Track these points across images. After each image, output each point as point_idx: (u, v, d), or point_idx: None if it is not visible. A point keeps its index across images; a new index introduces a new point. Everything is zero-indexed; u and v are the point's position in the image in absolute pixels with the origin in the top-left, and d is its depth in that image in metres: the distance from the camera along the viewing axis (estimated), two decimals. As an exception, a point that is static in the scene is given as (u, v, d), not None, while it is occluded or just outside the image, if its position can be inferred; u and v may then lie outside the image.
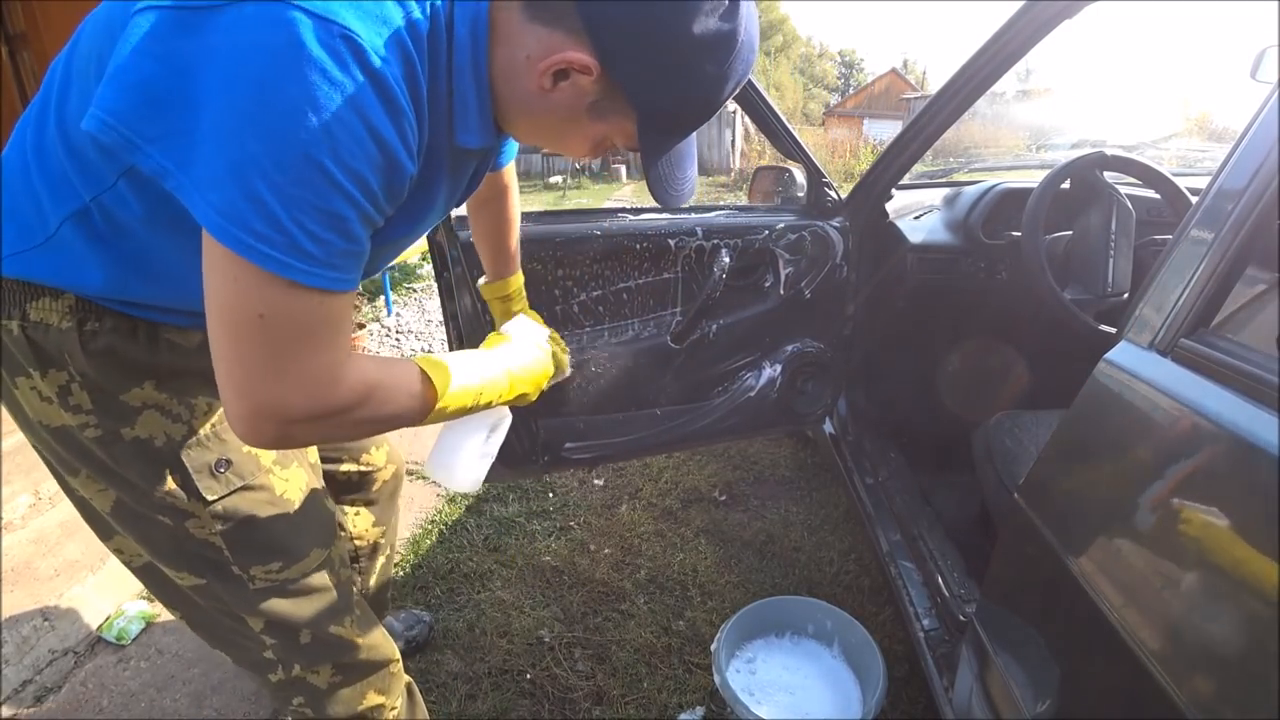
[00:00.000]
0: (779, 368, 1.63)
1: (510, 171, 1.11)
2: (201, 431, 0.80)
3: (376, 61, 0.55)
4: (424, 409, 0.73)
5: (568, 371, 1.12)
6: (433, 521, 2.06)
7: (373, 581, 1.32)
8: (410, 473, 2.34)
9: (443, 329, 3.75)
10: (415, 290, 4.62)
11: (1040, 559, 0.87)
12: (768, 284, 1.57)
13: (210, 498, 0.80)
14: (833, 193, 1.60)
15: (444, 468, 0.93)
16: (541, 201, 11.16)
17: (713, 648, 1.38)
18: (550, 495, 2.18)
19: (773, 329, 1.61)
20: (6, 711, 1.43)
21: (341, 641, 0.94)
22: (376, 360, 0.70)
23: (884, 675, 1.29)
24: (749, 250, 1.52)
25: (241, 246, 0.54)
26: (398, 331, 3.81)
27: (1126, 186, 1.58)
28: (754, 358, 1.62)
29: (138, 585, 1.78)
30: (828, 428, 1.93)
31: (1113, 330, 1.16)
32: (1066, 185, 1.54)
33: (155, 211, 0.64)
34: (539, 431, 1.48)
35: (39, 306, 0.71)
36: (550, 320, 1.42)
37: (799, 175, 1.64)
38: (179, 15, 0.54)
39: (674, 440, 1.62)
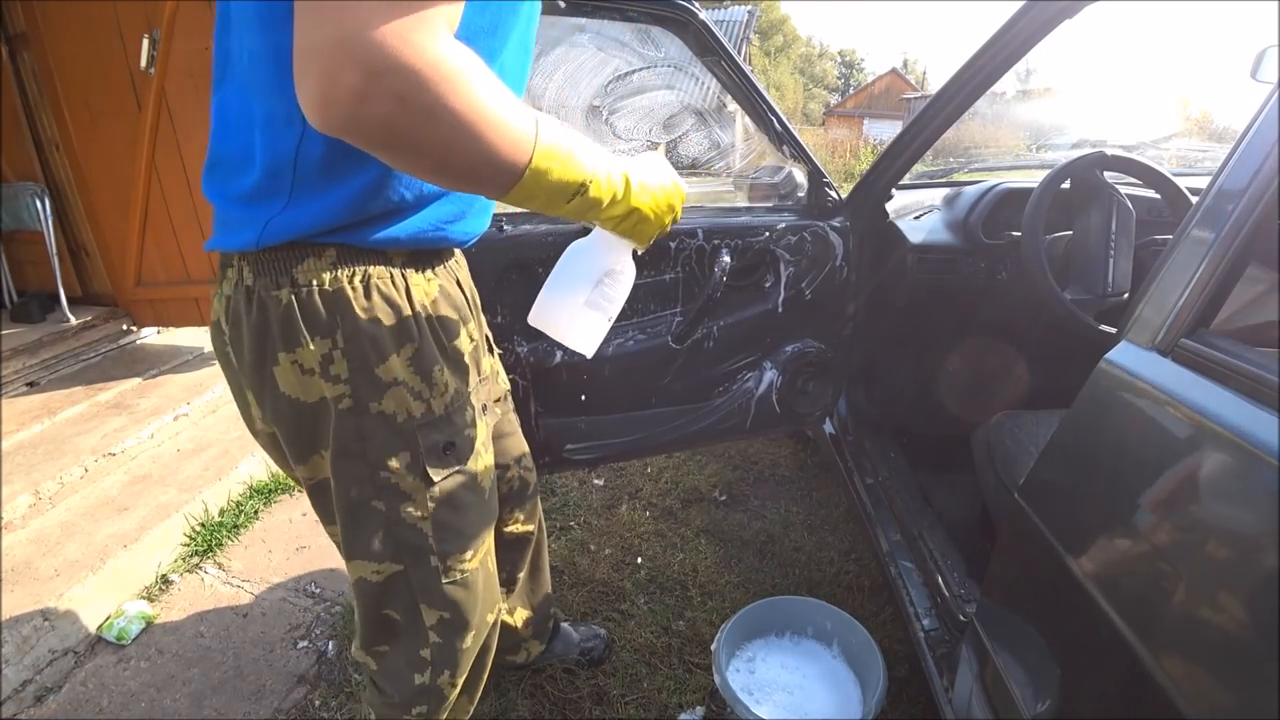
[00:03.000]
0: (779, 368, 1.63)
1: None
2: (438, 412, 0.81)
3: None
4: (521, 148, 0.62)
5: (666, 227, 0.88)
6: (433, 521, 2.06)
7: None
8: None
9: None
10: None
11: (1040, 559, 0.87)
12: (768, 284, 1.57)
13: (435, 479, 0.82)
14: (833, 193, 1.60)
15: (544, 307, 0.81)
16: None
17: (713, 648, 1.38)
18: (550, 495, 2.18)
19: (773, 329, 1.61)
20: (6, 711, 1.43)
21: (487, 636, 0.99)
22: (490, 73, 0.61)
23: (884, 675, 1.29)
24: (749, 250, 1.52)
25: None
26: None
27: (1126, 186, 1.58)
28: (754, 358, 1.62)
29: (138, 585, 1.79)
30: (828, 428, 1.93)
31: (1113, 330, 1.16)
32: (1066, 185, 1.54)
33: None
34: (540, 432, 1.48)
35: (304, 269, 0.72)
36: None
37: (799, 175, 1.64)
38: None
39: (674, 440, 1.61)
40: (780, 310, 1.59)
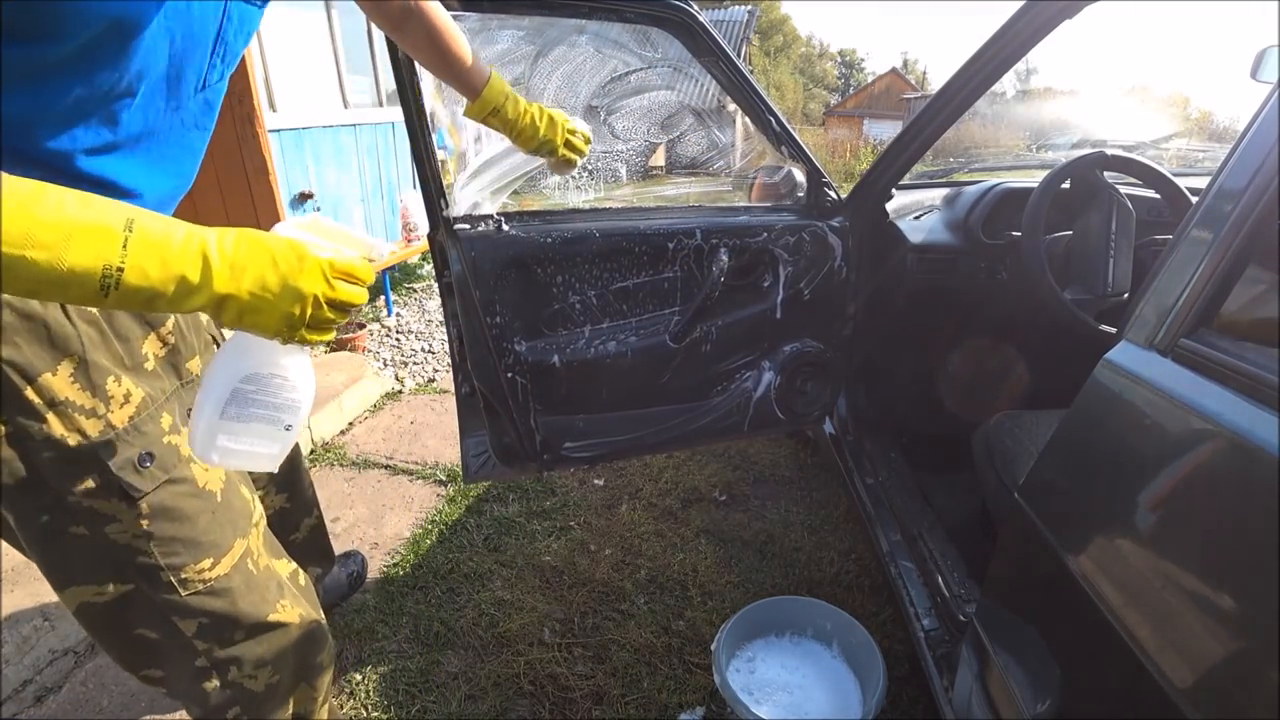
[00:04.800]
0: (778, 368, 1.63)
1: None
2: (119, 426, 0.74)
3: None
4: None
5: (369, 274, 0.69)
6: (433, 521, 2.06)
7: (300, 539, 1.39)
8: (409, 471, 2.34)
9: (443, 329, 3.75)
10: (415, 290, 4.62)
11: (1040, 559, 0.87)
12: (767, 284, 1.57)
13: (136, 495, 0.75)
14: (833, 193, 1.59)
15: (191, 437, 0.69)
16: (540, 201, 11.15)
17: (713, 648, 1.38)
18: (550, 495, 2.18)
19: (772, 329, 1.61)
20: (6, 711, 1.43)
21: (276, 628, 0.93)
22: None
23: (884, 675, 1.29)
24: (748, 250, 1.52)
25: None
26: (398, 331, 3.81)
27: (1126, 186, 1.58)
28: (753, 358, 1.62)
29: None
30: (828, 428, 1.93)
31: (1113, 330, 1.16)
32: (1066, 185, 1.54)
33: None
34: (538, 430, 1.48)
35: None
36: (549, 321, 1.42)
37: (799, 175, 1.63)
38: None
39: (674, 440, 1.62)
40: (779, 310, 1.59)
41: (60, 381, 0.69)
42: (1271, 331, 0.73)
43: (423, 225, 4.04)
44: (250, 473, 1.04)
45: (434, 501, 2.18)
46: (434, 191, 1.27)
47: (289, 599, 0.97)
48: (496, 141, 1.34)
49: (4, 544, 1.80)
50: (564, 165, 1.26)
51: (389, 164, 4.70)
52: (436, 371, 3.29)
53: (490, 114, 1.12)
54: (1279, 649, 0.53)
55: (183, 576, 0.81)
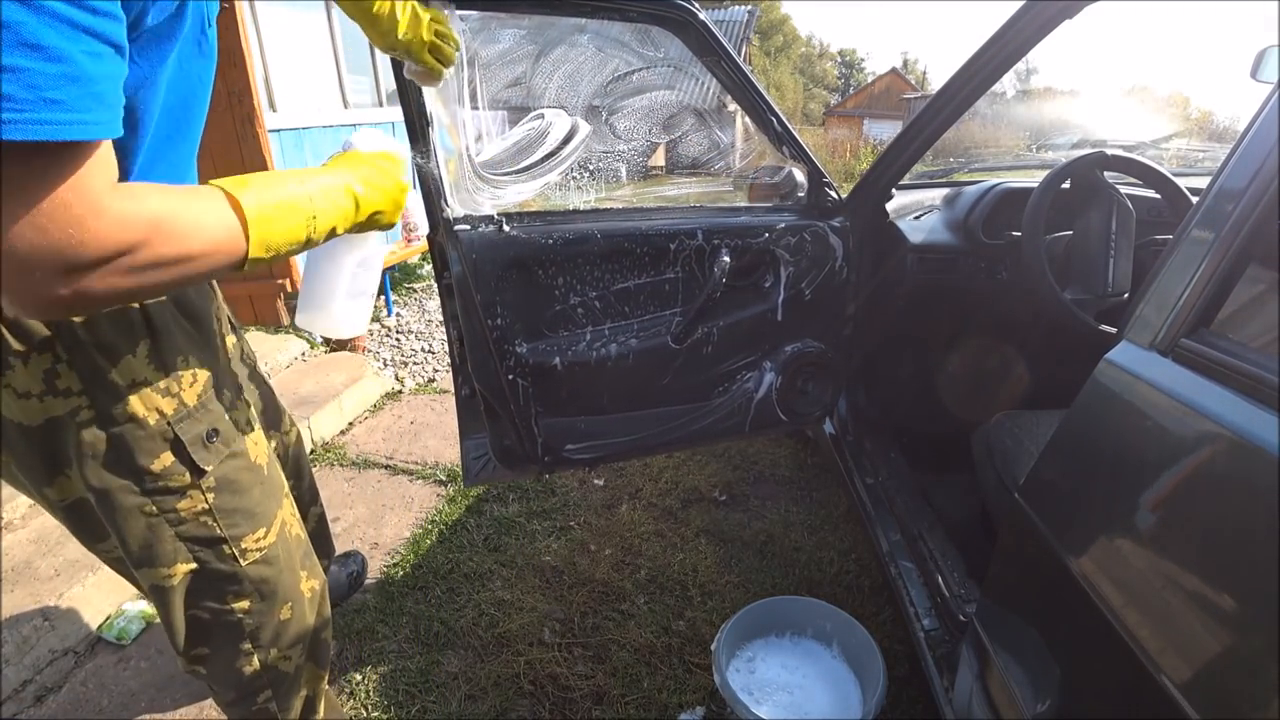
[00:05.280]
0: (779, 368, 1.63)
1: None
2: (191, 404, 0.80)
3: None
4: (237, 237, 0.63)
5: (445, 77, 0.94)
6: (433, 521, 2.06)
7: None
8: (409, 471, 2.34)
9: (443, 329, 3.75)
10: (415, 290, 4.61)
11: (1040, 559, 0.87)
12: (768, 284, 1.57)
13: (207, 469, 0.81)
14: (833, 193, 1.59)
15: (310, 310, 0.86)
16: (540, 202, 11.14)
17: (713, 648, 1.38)
18: (550, 495, 2.18)
19: (773, 329, 1.60)
20: (6, 711, 1.43)
21: (302, 599, 0.99)
22: (164, 189, 0.60)
23: (884, 675, 1.29)
24: (749, 251, 1.52)
25: None
26: (398, 331, 3.81)
27: (1126, 186, 1.58)
28: (754, 358, 1.62)
29: (138, 585, 1.79)
30: (828, 428, 1.93)
31: (1113, 330, 1.16)
32: (1067, 185, 1.54)
33: None
34: (539, 432, 1.48)
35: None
36: (551, 322, 1.42)
37: (799, 175, 1.63)
38: None
39: (674, 440, 1.61)
40: (780, 310, 1.59)
41: (139, 362, 0.74)
42: (1272, 331, 0.73)
43: (423, 225, 4.04)
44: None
45: (434, 501, 2.18)
46: (434, 192, 1.27)
47: (308, 569, 1.02)
48: (497, 142, 1.34)
49: (4, 544, 1.80)
50: (426, 76, 1.05)
51: (389, 164, 4.69)
52: (436, 371, 3.29)
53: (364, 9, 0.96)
54: (1279, 649, 0.53)
55: (243, 546, 0.87)
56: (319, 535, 1.50)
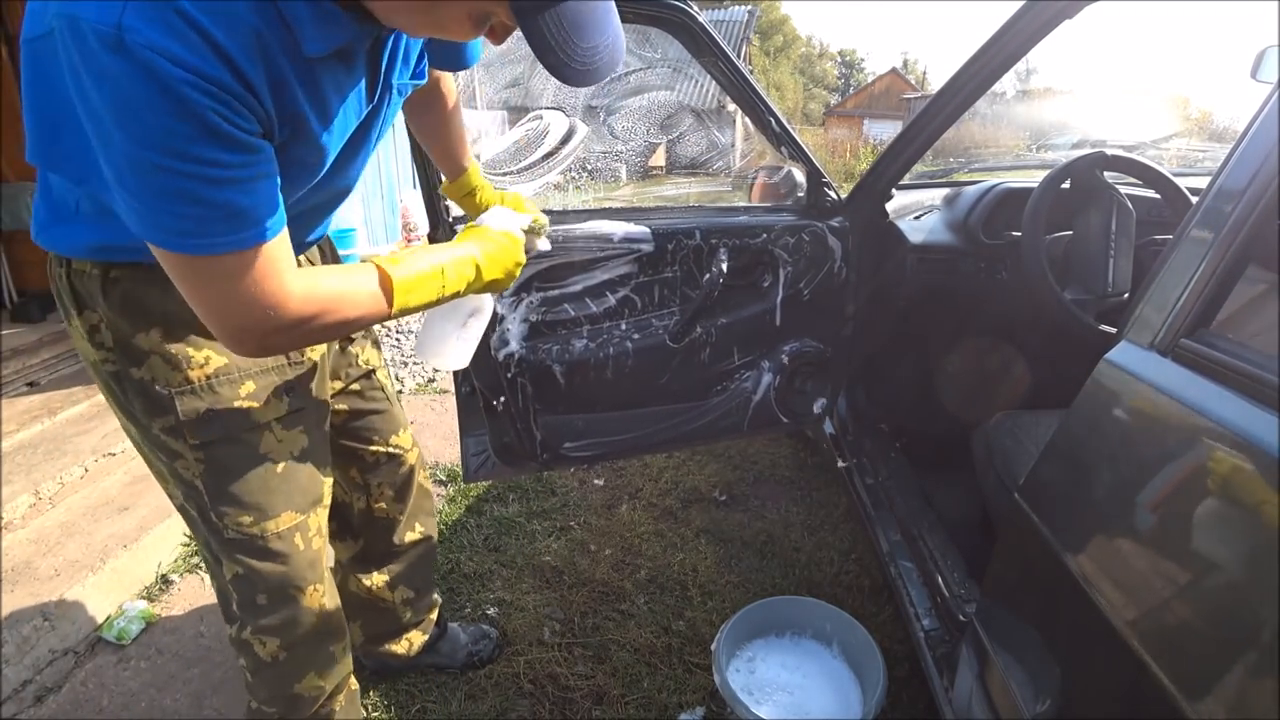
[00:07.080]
0: (778, 368, 1.63)
1: (448, 80, 1.09)
2: (196, 381, 0.89)
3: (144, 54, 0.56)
4: (386, 305, 0.79)
5: (546, 247, 1.15)
6: (433, 521, 2.06)
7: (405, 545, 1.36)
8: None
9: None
10: (415, 290, 4.62)
11: (1040, 559, 0.87)
12: (766, 284, 1.57)
13: (194, 442, 0.90)
14: (832, 193, 1.59)
15: (426, 349, 1.04)
16: (540, 202, 11.15)
17: (713, 648, 1.38)
18: (550, 495, 2.18)
19: (771, 329, 1.61)
20: (6, 711, 1.43)
21: (299, 608, 1.02)
22: (333, 271, 0.81)
23: (884, 675, 1.29)
24: (747, 250, 1.52)
25: (146, 232, 0.65)
26: (398, 331, 3.81)
27: (1126, 186, 1.57)
28: (753, 357, 1.62)
29: (138, 585, 1.79)
30: (828, 428, 1.93)
31: (1113, 330, 1.16)
32: (1066, 185, 1.54)
33: None
34: (538, 430, 1.48)
35: (77, 265, 0.85)
36: (550, 321, 1.42)
37: (799, 175, 1.64)
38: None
39: (673, 439, 1.62)
40: (779, 310, 1.59)
41: (154, 338, 0.87)
42: (1272, 331, 0.73)
43: (422, 225, 4.04)
44: (380, 475, 1.26)
45: (434, 501, 2.18)
46: (434, 192, 1.27)
47: (325, 587, 1.06)
48: (497, 141, 1.34)
49: (4, 544, 1.80)
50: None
51: (389, 164, 4.70)
52: (436, 371, 3.29)
53: (467, 195, 1.20)
54: (1279, 649, 0.53)
55: (225, 521, 0.95)
56: (420, 561, 1.40)
